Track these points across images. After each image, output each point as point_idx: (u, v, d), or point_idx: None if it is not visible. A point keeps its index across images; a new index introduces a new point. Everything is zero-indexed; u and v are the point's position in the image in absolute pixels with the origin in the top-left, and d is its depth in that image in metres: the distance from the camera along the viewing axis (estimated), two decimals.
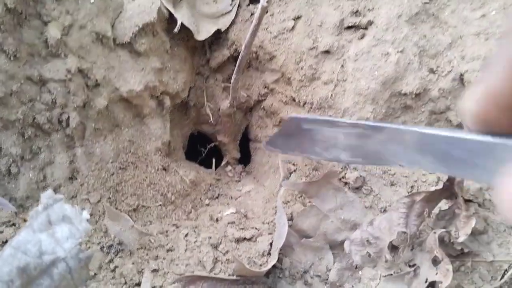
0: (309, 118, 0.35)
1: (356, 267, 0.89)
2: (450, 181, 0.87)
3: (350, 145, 0.31)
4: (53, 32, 0.78)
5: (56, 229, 0.66)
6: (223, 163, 1.18)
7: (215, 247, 0.88)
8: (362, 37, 0.97)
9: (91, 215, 0.91)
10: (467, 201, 0.93)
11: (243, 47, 0.90)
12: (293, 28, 1.02)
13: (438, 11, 0.96)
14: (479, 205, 0.94)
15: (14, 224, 0.86)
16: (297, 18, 1.02)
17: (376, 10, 0.97)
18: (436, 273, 0.85)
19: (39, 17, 0.77)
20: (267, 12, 1.06)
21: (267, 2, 0.76)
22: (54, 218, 0.66)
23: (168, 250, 0.88)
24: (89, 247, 0.87)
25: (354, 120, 0.29)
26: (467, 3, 0.95)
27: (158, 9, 0.92)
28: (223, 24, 1.07)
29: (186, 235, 0.92)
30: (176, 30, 0.95)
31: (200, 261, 0.86)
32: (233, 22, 1.08)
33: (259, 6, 0.78)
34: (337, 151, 0.32)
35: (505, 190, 0.22)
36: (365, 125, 0.30)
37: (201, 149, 1.19)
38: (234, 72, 0.96)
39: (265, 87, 1.11)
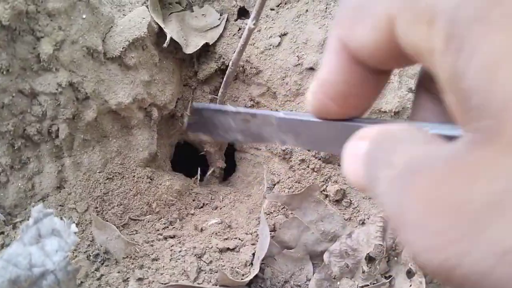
0: (206, 107, 0.40)
1: (335, 278, 0.92)
2: None
3: (240, 128, 0.37)
4: (46, 48, 0.80)
5: (45, 242, 0.68)
6: (208, 172, 1.21)
7: (199, 257, 0.91)
8: None
9: (77, 224, 0.93)
10: None
11: (230, 63, 0.93)
12: (279, 44, 1.05)
13: None
14: None
15: (2, 233, 0.88)
16: (283, 35, 1.05)
17: None
18: (410, 285, 0.90)
19: (32, 33, 0.79)
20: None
21: (254, 24, 0.79)
22: (44, 231, 0.68)
23: (153, 260, 0.91)
24: (76, 256, 0.89)
25: (236, 108, 0.35)
26: None
27: (148, 24, 0.94)
28: (211, 37, 1.09)
29: (171, 245, 0.94)
30: (165, 44, 0.98)
31: (184, 271, 0.89)
32: (221, 36, 1.11)
33: (246, 27, 0.81)
34: (233, 133, 0.38)
35: (344, 159, 0.26)
36: (243, 112, 0.36)
37: (187, 159, 1.22)
38: (222, 87, 0.99)
39: (251, 99, 1.14)
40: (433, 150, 0.20)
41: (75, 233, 0.70)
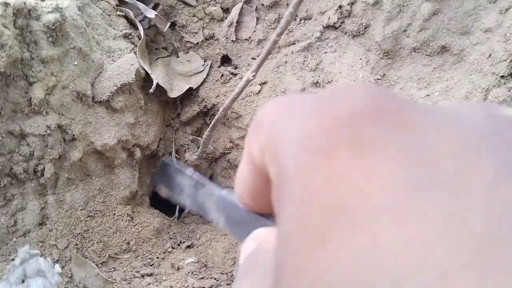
0: (171, 165, 0.42)
1: None
2: None
3: (190, 194, 0.38)
4: (38, 92, 0.84)
5: (30, 282, 0.71)
6: (186, 210, 1.25)
7: None
8: None
9: (58, 260, 0.96)
10: None
11: (221, 109, 0.97)
12: (259, 92, 1.12)
13: (389, 87, 1.07)
14: None
15: None
16: (264, 83, 1.12)
17: (334, 83, 1.08)
18: None
19: (25, 78, 0.83)
20: (236, 75, 1.16)
21: (253, 76, 0.84)
22: (30, 272, 0.71)
23: None
24: None
25: (192, 173, 0.36)
26: (414, 82, 1.07)
27: (136, 70, 0.99)
28: (195, 82, 1.15)
29: (148, 283, 0.97)
30: (151, 90, 1.02)
31: None
32: (204, 81, 1.17)
33: (244, 78, 0.86)
34: (183, 197, 0.39)
35: (242, 246, 0.28)
36: (195, 179, 0.38)
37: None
38: (208, 130, 1.04)
39: (231, 141, 1.19)
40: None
41: (59, 273, 0.73)
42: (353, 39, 1.10)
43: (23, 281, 0.71)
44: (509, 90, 0.95)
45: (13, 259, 0.73)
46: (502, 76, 0.95)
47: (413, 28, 1.03)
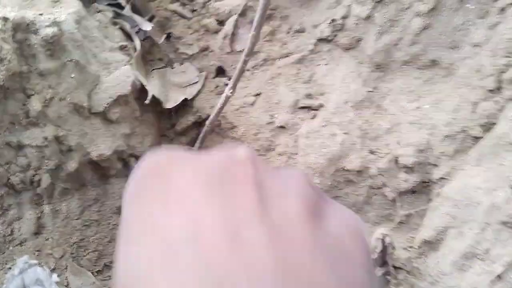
0: None
1: None
2: (383, 251, 0.99)
3: None
4: (35, 104, 0.85)
5: None
6: None
7: None
8: (314, 117, 1.10)
9: (54, 269, 0.97)
10: (397, 268, 1.05)
11: (207, 122, 1.00)
12: (253, 103, 1.13)
13: (380, 99, 1.10)
14: (408, 272, 1.06)
15: None
16: (257, 95, 1.14)
17: (327, 95, 1.10)
18: None
19: (23, 91, 0.85)
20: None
21: (231, 93, 0.86)
22: (28, 281, 0.72)
23: None
24: None
25: None
26: (405, 95, 1.09)
27: (132, 82, 1.01)
28: (190, 93, 1.17)
29: None
30: (147, 101, 1.04)
31: None
32: (199, 92, 1.18)
33: (223, 95, 0.88)
34: None
35: None
36: None
37: None
38: (198, 142, 1.06)
39: None
40: None
41: (56, 282, 0.75)
42: (345, 52, 1.12)
43: None
44: (496, 104, 0.97)
45: (10, 268, 0.74)
46: (490, 90, 0.97)
47: (404, 42, 1.05)
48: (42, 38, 0.84)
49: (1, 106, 0.82)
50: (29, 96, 0.86)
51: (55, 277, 0.74)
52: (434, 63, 1.06)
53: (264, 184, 0.26)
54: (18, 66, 0.81)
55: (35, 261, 0.73)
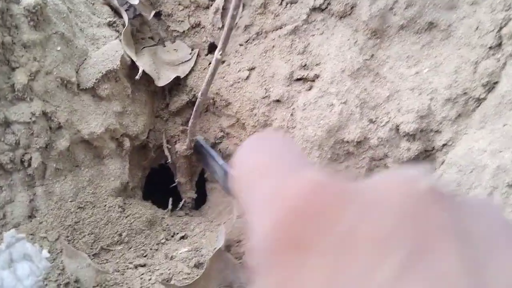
0: (203, 146, 0.43)
1: None
2: None
3: (221, 177, 0.39)
4: (21, 78, 0.82)
5: (17, 266, 0.69)
6: (180, 204, 1.23)
7: (167, 281, 0.92)
8: (310, 88, 1.07)
9: (49, 252, 0.94)
10: None
11: (199, 94, 0.97)
12: (247, 78, 1.10)
13: (378, 67, 1.07)
14: None
15: None
16: (252, 69, 1.11)
17: (322, 65, 1.07)
18: None
19: (8, 63, 0.82)
20: (223, 62, 1.15)
21: (220, 54, 0.83)
22: (16, 256, 0.69)
23: None
24: (46, 285, 0.89)
25: (221, 162, 0.37)
26: (403, 61, 1.06)
27: (121, 57, 0.98)
28: (182, 71, 1.14)
29: (141, 273, 0.95)
30: (137, 77, 1.01)
31: None
32: (192, 70, 1.16)
33: (214, 58, 0.85)
34: (216, 176, 0.40)
35: None
36: (224, 169, 0.39)
37: (158, 189, 1.24)
38: (192, 117, 1.03)
39: (221, 131, 1.18)
40: None
41: (46, 258, 0.72)
42: (340, 20, 1.09)
43: (9, 267, 0.69)
44: (498, 61, 0.94)
45: None
46: (490, 47, 0.94)
47: (400, 5, 1.02)
48: (24, 8, 0.81)
49: None
50: (13, 69, 0.83)
51: (45, 252, 0.71)
52: (431, 25, 1.03)
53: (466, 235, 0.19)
54: (0, 36, 0.78)
55: (22, 235, 0.69)
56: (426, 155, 1.08)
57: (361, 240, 0.18)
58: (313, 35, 1.10)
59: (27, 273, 0.68)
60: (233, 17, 0.76)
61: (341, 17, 1.08)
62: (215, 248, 0.95)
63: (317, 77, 1.07)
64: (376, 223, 0.18)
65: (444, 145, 1.04)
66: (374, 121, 1.04)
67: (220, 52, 0.82)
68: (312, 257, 0.18)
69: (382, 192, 0.20)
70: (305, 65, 1.08)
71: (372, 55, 1.07)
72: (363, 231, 0.18)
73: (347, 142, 1.05)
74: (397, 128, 1.03)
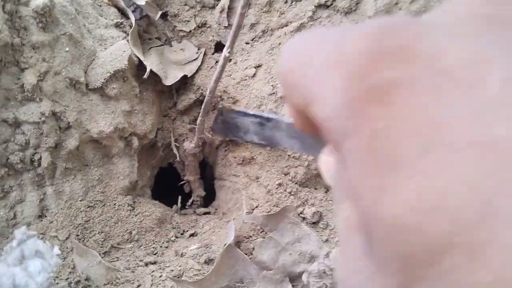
0: (230, 110, 0.43)
1: None
2: None
3: (256, 130, 0.39)
4: (30, 78, 0.84)
5: (29, 263, 0.70)
6: (189, 202, 1.24)
7: (178, 277, 0.93)
8: None
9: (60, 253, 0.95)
10: None
11: (207, 91, 0.98)
12: (254, 75, 1.11)
13: None
14: None
15: None
16: (258, 66, 1.11)
17: None
18: None
19: (17, 64, 0.83)
20: (230, 60, 1.15)
21: (229, 52, 0.84)
22: (27, 253, 0.70)
23: (134, 285, 0.92)
24: (57, 283, 0.90)
25: (254, 111, 0.37)
26: None
27: (129, 57, 0.99)
28: (189, 70, 1.15)
29: (152, 270, 0.96)
30: (145, 76, 1.02)
31: None
32: (199, 69, 1.16)
33: (222, 55, 0.86)
34: (251, 135, 0.40)
35: (321, 170, 0.29)
36: (261, 116, 0.39)
37: (167, 188, 1.25)
38: (200, 115, 1.04)
39: None
40: None
41: (57, 255, 0.72)
42: (345, 16, 1.09)
43: (21, 263, 0.70)
44: None
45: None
46: None
47: None
48: (33, 9, 0.82)
49: None
50: (23, 70, 0.84)
51: (56, 249, 0.72)
52: None
53: None
54: (10, 38, 0.79)
55: (33, 232, 0.70)
56: None
57: (452, 66, 0.16)
58: None
59: (38, 270, 0.69)
60: (242, 15, 0.77)
61: (346, 13, 1.08)
62: (225, 244, 0.95)
63: None
64: (461, 47, 0.17)
65: None
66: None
67: (229, 50, 0.83)
68: (406, 97, 0.16)
69: (447, 21, 0.18)
70: None
71: None
72: (453, 57, 0.16)
73: None
74: None
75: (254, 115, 0.35)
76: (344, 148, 0.18)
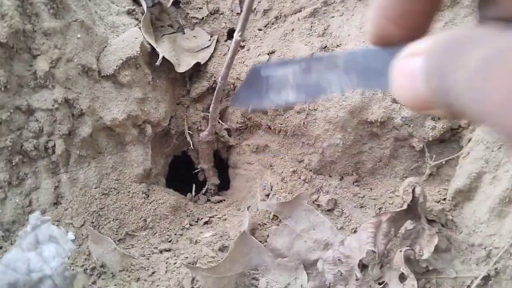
0: (267, 63, 0.41)
1: (329, 286, 0.93)
2: (414, 202, 0.94)
3: (297, 82, 0.37)
4: (42, 65, 0.84)
5: (43, 248, 0.70)
6: (203, 191, 1.23)
7: (193, 264, 0.93)
8: None
9: (74, 239, 0.95)
10: (431, 221, 1.00)
11: (219, 78, 0.97)
12: (267, 61, 1.10)
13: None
14: (442, 225, 1.01)
15: (1, 247, 0.90)
16: (271, 52, 1.10)
17: (343, 46, 1.05)
18: None
19: (29, 51, 0.83)
20: (243, 47, 1.14)
21: (240, 36, 0.83)
22: (42, 238, 0.70)
23: (149, 272, 0.92)
24: (73, 269, 0.90)
25: (301, 58, 0.36)
26: None
27: (141, 44, 0.98)
28: (202, 57, 1.14)
29: (167, 257, 0.96)
30: (158, 63, 1.02)
31: (179, 282, 0.90)
32: (211, 56, 1.16)
33: (233, 40, 0.85)
34: (286, 92, 0.38)
35: (394, 79, 0.27)
36: (309, 59, 0.37)
37: (181, 177, 1.24)
38: (212, 102, 1.03)
39: (243, 115, 1.17)
40: (502, 42, 0.22)
41: (72, 240, 0.72)
42: (359, 0, 1.07)
43: (36, 248, 0.70)
44: None
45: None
46: None
47: None
48: None
49: (8, 67, 0.81)
50: (35, 57, 0.84)
51: (70, 234, 0.72)
52: (454, 2, 1.00)
53: None
54: (21, 24, 0.79)
55: (47, 217, 0.70)
56: (452, 133, 1.06)
57: None
58: (333, 16, 1.09)
59: (53, 255, 0.69)
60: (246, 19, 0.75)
61: None
62: (239, 232, 0.95)
63: None
64: None
65: (470, 122, 1.01)
66: (398, 101, 1.02)
67: (240, 33, 0.82)
68: None
69: None
70: (326, 46, 1.06)
71: None
72: None
73: (371, 122, 1.03)
74: None
75: (302, 60, 0.34)
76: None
